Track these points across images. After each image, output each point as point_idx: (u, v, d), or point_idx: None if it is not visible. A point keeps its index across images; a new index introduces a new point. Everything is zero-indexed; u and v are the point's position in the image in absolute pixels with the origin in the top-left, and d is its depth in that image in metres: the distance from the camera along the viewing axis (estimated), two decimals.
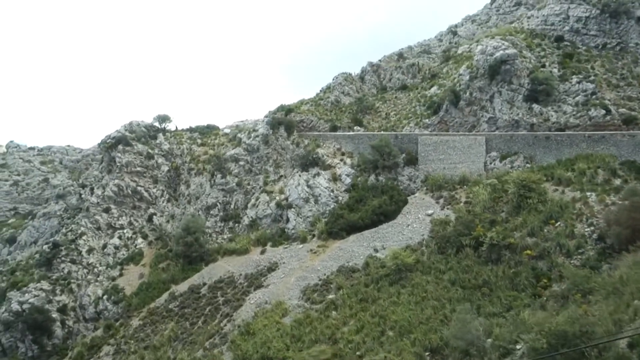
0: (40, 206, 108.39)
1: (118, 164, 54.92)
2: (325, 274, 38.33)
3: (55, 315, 42.96)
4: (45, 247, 51.95)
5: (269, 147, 53.31)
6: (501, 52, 49.07)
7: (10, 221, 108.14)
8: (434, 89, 56.15)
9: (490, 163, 45.01)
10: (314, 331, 31.79)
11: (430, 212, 41.09)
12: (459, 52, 62.41)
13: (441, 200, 42.15)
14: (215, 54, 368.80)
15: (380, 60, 71.48)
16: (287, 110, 59.52)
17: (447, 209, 40.63)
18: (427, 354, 24.86)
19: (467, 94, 50.29)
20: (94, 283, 46.17)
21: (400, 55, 74.72)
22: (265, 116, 59.32)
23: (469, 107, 50.31)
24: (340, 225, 43.02)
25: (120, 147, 55.79)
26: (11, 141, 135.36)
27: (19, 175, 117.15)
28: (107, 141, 57.17)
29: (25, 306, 42.88)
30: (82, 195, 57.86)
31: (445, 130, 50.62)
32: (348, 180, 48.23)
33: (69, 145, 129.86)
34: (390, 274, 34.01)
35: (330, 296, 35.18)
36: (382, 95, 63.49)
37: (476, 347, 22.14)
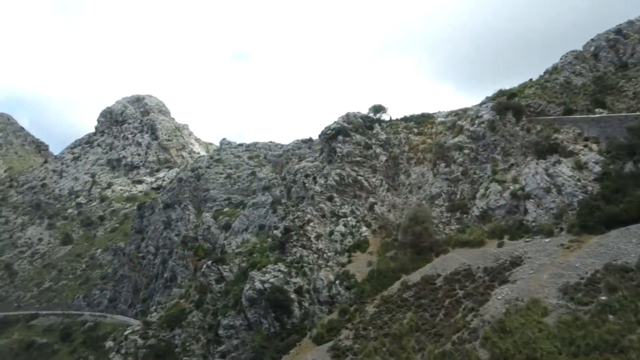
0: (249, 197, 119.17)
1: (339, 154, 56.35)
2: (587, 272, 33.64)
3: (293, 296, 45.16)
4: (275, 232, 55.43)
5: (496, 133, 49.55)
6: None
7: (225, 210, 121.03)
8: None
9: None
10: (590, 336, 27.64)
11: None
12: None
13: None
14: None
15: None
16: (510, 94, 54.92)
17: None
18: None
19: None
20: (325, 268, 47.66)
21: (619, 32, 63.29)
22: (482, 103, 55.67)
23: None
24: (597, 218, 37.56)
25: (340, 137, 57.21)
26: (224, 138, 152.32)
27: (231, 169, 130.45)
28: (327, 132, 59.13)
29: (266, 285, 45.88)
30: (306, 185, 60.63)
31: None
32: (597, 169, 42.17)
33: (271, 141, 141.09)
34: None
35: (603, 298, 30.58)
36: (625, 73, 55.00)
37: None
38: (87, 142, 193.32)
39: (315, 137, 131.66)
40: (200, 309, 49.50)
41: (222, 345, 45.64)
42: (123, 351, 47.05)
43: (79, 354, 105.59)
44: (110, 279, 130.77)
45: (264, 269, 47.81)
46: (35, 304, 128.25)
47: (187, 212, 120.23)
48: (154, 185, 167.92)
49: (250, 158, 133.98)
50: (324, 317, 43.52)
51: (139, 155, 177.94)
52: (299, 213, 55.74)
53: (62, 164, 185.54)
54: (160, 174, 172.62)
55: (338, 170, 55.42)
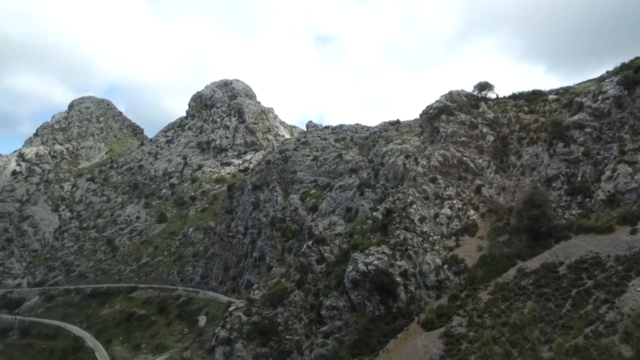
0: (336, 179, 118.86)
1: (442, 134, 53.89)
2: None
3: (398, 279, 43.84)
4: (375, 214, 54.22)
5: (624, 110, 44.90)
6: None
7: (312, 192, 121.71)
8: None
9: None
10: None
11: None
12: None
13: None
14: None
15: None
16: (637, 67, 49.50)
17: None
18: None
19: None
20: (431, 251, 45.82)
21: None
22: (603, 77, 50.65)
23: None
24: None
25: (443, 116, 54.63)
26: (310, 121, 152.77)
27: (317, 151, 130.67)
28: (429, 112, 56.71)
29: (370, 267, 44.87)
30: (407, 165, 58.76)
31: None
32: None
33: (357, 124, 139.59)
34: None
35: None
36: None
37: None
38: (179, 125, 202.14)
39: (402, 119, 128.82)
40: (301, 288, 49.53)
41: (325, 326, 45.35)
42: (228, 326, 48.11)
43: (174, 327, 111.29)
44: (201, 257, 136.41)
45: (366, 251, 46.81)
46: (134, 278, 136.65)
47: (275, 194, 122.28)
48: (241, 167, 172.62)
49: (336, 140, 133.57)
50: (431, 302, 41.83)
51: (227, 138, 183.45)
52: (399, 195, 54.04)
53: (157, 146, 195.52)
54: (247, 156, 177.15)
55: (442, 151, 52.99)
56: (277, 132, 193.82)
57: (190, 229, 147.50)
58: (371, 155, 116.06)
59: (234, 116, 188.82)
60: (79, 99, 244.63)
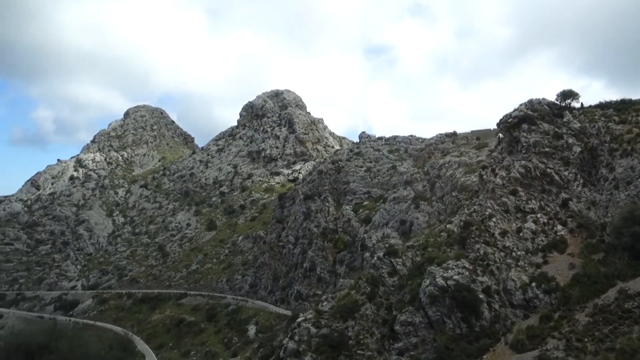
0: (390, 191, 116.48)
1: (524, 144, 51.01)
2: None
3: (481, 296, 41.17)
4: (449, 226, 51.72)
5: None
6: None
7: (365, 203, 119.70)
8: None
9: None
10: None
11: None
12: None
13: None
14: None
15: None
16: None
17: None
18: None
19: None
20: (515, 268, 42.96)
21: None
22: None
23: None
24: None
25: (524, 126, 51.79)
26: (363, 132, 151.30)
27: (370, 162, 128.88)
28: (508, 120, 53.96)
29: (449, 282, 42.39)
30: (483, 177, 56.06)
31: None
32: None
33: (411, 135, 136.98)
34: None
35: None
36: None
37: None
38: (230, 134, 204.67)
39: (460, 131, 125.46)
40: (372, 301, 47.45)
41: (400, 342, 43.04)
42: (297, 338, 46.48)
43: (223, 335, 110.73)
44: (250, 265, 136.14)
45: (444, 265, 44.36)
46: (183, 284, 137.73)
47: (327, 204, 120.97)
48: (291, 177, 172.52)
49: (390, 152, 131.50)
50: (519, 322, 38.99)
51: (277, 147, 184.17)
52: (475, 207, 51.40)
53: (208, 154, 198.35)
54: (297, 167, 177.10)
55: (523, 162, 50.08)
56: (326, 142, 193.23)
57: (240, 238, 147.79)
58: (427, 167, 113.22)
59: (284, 126, 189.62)
60: (134, 107, 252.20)
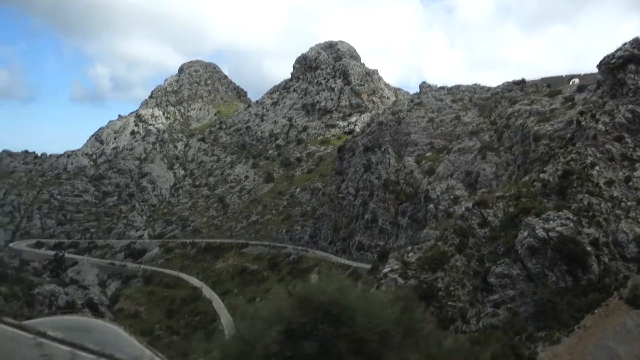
0: (454, 142, 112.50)
1: (631, 86, 46.85)
2: None
3: (589, 248, 38.76)
4: (543, 175, 48.79)
5: None
6: None
7: (427, 154, 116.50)
8: None
9: None
10: None
11: None
12: None
13: None
14: None
15: None
16: None
17: None
18: None
19: None
20: (626, 219, 40.11)
21: None
22: None
23: None
24: None
25: (630, 67, 47.39)
26: (424, 82, 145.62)
27: (433, 112, 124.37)
28: (611, 61, 49.52)
29: (551, 234, 40.10)
30: (582, 123, 52.29)
31: None
32: None
33: (476, 84, 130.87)
34: None
35: None
36: None
37: None
38: (284, 87, 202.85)
39: (528, 78, 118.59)
40: (462, 253, 45.88)
41: (495, 295, 41.53)
42: (384, 289, 45.78)
43: (286, 283, 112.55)
44: (309, 217, 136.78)
45: (543, 216, 41.94)
46: (244, 234, 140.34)
47: (388, 156, 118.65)
48: (346, 130, 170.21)
49: (453, 101, 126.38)
50: (633, 276, 36.54)
51: (332, 100, 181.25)
52: (572, 155, 48.12)
53: (263, 108, 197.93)
54: (352, 119, 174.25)
55: (630, 106, 46.05)
56: (382, 94, 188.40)
57: (297, 190, 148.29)
58: (494, 116, 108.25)
59: (339, 78, 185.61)
60: (188, 62, 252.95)
